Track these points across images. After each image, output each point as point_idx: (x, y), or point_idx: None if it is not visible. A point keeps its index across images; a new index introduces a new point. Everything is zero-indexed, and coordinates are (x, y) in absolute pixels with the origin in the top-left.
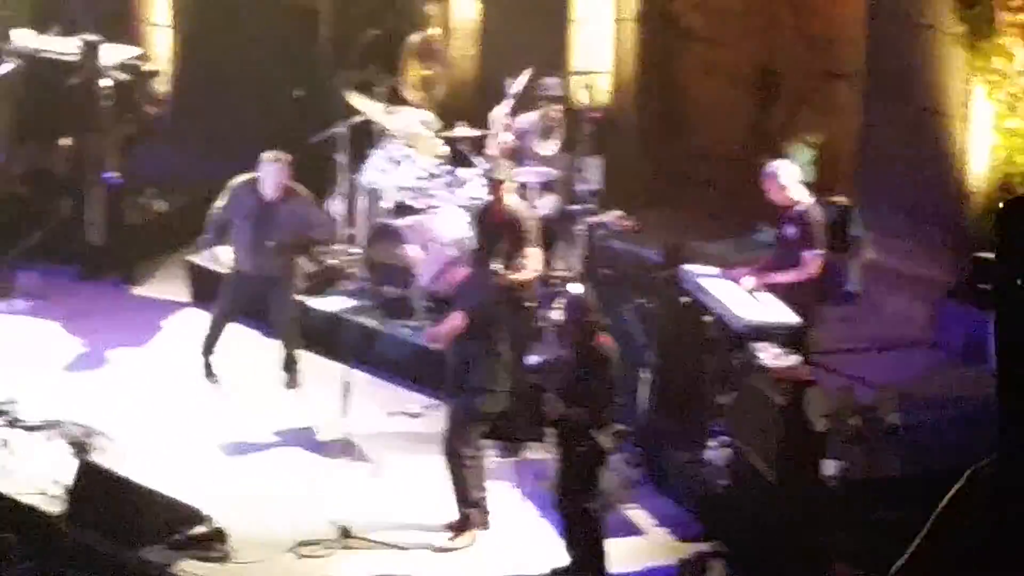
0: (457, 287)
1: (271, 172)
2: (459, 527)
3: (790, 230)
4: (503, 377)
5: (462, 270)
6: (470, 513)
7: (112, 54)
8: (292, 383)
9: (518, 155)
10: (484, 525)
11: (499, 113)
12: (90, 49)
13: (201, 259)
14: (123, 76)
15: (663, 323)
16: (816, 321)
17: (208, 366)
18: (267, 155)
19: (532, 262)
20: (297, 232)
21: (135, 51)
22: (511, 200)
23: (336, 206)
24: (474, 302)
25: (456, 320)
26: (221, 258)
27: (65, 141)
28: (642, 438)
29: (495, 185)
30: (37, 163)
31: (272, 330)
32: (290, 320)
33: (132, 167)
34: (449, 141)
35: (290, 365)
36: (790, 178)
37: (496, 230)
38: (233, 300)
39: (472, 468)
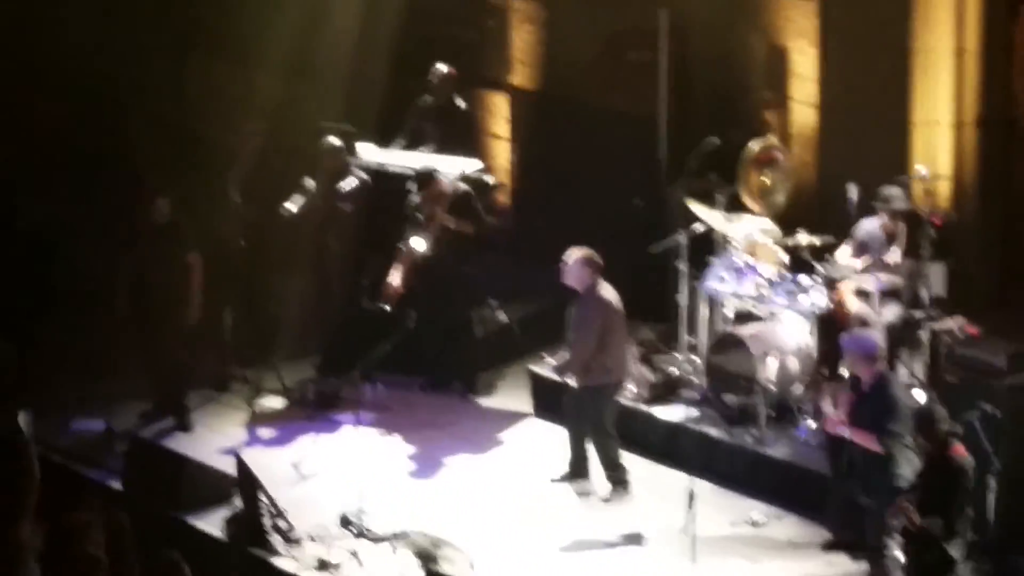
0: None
1: (564, 267)
2: None
3: None
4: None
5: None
6: None
7: (455, 166)
8: (616, 492)
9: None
10: None
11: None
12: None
13: (543, 368)
14: (462, 187)
15: (1010, 430)
16: None
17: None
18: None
19: None
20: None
21: (477, 164)
22: (852, 303)
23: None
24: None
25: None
26: None
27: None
28: (991, 547)
29: (833, 287)
30: (383, 276)
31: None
32: (593, 426)
33: (473, 279)
34: (789, 249)
35: (611, 473)
36: None
37: (839, 335)
38: (565, 405)
39: None
